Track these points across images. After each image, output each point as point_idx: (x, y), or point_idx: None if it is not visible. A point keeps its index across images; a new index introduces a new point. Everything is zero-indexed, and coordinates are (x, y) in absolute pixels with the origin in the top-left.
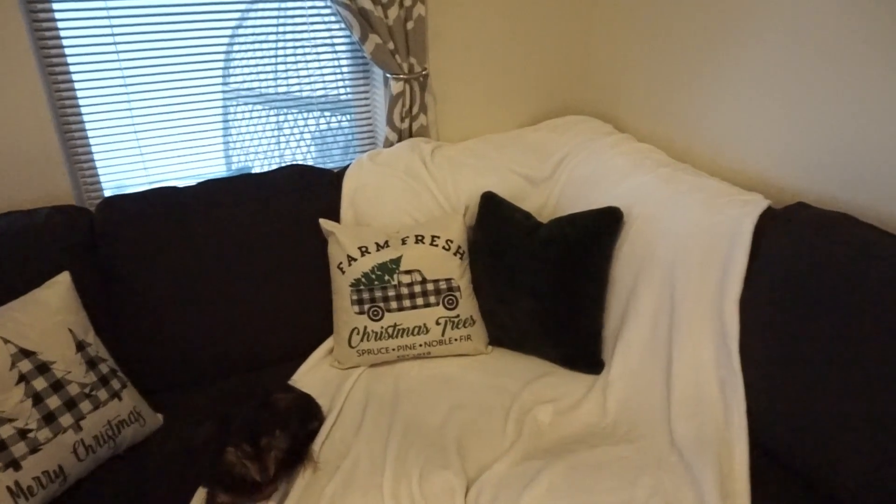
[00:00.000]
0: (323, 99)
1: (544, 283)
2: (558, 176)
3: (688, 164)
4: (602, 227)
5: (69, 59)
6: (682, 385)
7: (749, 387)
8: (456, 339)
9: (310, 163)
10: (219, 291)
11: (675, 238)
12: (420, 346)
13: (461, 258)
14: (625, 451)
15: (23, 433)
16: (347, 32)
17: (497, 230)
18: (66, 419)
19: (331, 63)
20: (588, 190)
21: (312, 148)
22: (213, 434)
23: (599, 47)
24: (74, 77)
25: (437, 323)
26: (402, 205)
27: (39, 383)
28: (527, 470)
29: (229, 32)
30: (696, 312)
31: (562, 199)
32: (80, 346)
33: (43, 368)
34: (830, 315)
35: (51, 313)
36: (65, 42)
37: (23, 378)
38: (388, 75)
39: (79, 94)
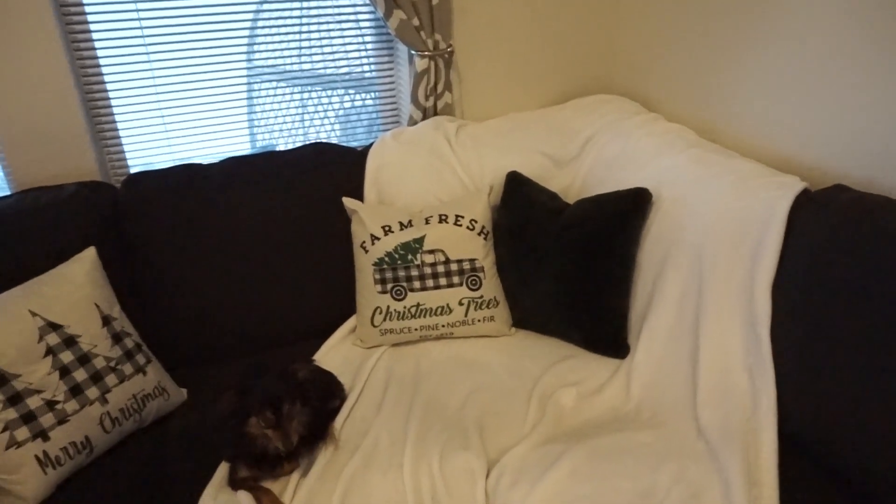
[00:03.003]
0: (347, 77)
1: (569, 265)
2: (585, 156)
3: (719, 145)
4: (629, 208)
5: (94, 36)
6: (709, 371)
7: (779, 375)
8: (479, 320)
9: (334, 141)
10: (242, 269)
11: (704, 221)
12: (442, 326)
13: (485, 238)
14: (648, 437)
15: (50, 404)
16: (372, 8)
17: (522, 210)
18: (92, 392)
19: (355, 40)
20: (615, 171)
21: (336, 126)
22: (234, 406)
23: (628, 24)
24: (100, 54)
25: (460, 303)
26: (426, 184)
27: (66, 356)
28: (548, 453)
29: (254, 9)
30: (725, 297)
31: (588, 179)
32: (106, 321)
33: (70, 342)
34: (868, 303)
35: (77, 287)
36: (90, 18)
37: (50, 351)
38: (413, 52)
39: (104, 70)
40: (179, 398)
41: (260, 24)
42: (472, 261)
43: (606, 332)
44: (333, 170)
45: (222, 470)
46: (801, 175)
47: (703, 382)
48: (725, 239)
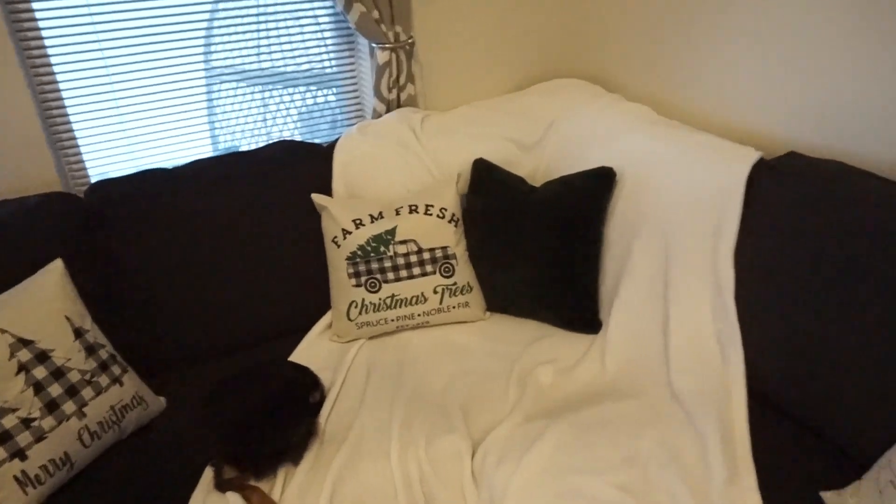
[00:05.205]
0: (308, 73)
1: (540, 247)
2: (549, 139)
3: (678, 122)
4: (595, 187)
5: (47, 43)
6: (680, 340)
7: (746, 337)
8: (454, 307)
9: (297, 139)
10: (214, 270)
11: (668, 195)
12: (419, 315)
13: (456, 226)
14: (627, 407)
15: (27, 422)
16: (331, 3)
17: (491, 196)
18: (68, 406)
19: (314, 36)
20: (580, 152)
21: (299, 124)
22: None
23: (586, 8)
24: (53, 61)
25: (435, 291)
26: (394, 175)
27: (40, 372)
28: (531, 430)
29: (209, 9)
30: (692, 267)
31: (553, 162)
32: (78, 333)
33: (42, 357)
34: (826, 262)
35: (46, 301)
36: (41, 24)
37: (23, 367)
38: (374, 45)
39: (59, 78)
40: (158, 407)
41: (217, 23)
42: (444, 248)
43: (579, 310)
44: (301, 167)
45: (208, 474)
46: (759, 146)
47: (675, 351)
48: (688, 211)
